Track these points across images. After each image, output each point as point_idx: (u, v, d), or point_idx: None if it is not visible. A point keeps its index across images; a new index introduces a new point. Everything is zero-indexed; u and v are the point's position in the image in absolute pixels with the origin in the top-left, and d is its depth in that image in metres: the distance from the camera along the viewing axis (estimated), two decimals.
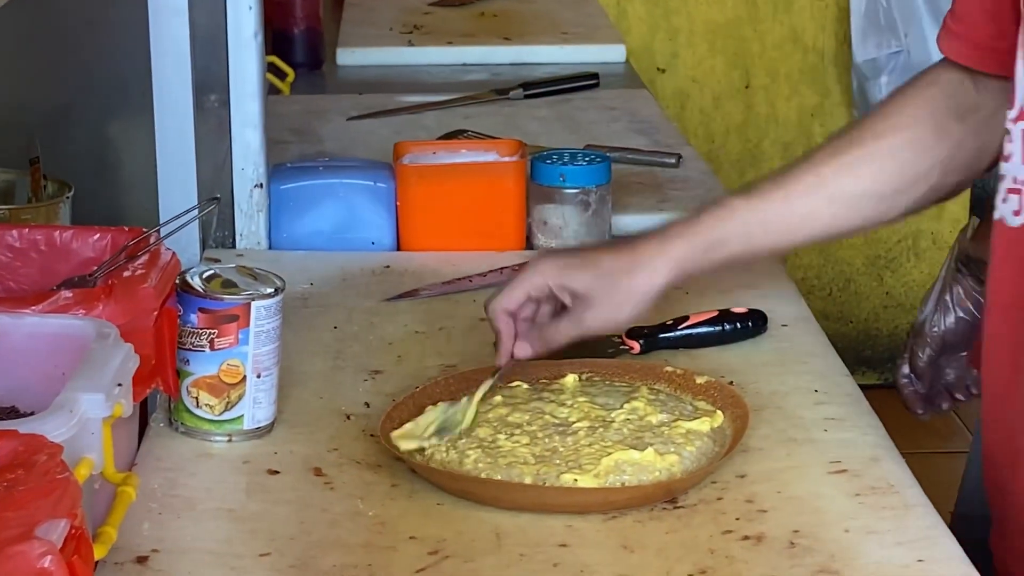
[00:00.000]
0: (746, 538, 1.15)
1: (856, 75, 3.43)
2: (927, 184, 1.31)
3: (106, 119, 1.66)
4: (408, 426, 1.28)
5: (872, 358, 3.57)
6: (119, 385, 1.05)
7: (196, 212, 1.31)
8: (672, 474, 1.22)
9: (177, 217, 1.29)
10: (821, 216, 1.31)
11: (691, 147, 2.15)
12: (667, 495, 1.21)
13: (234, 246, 1.75)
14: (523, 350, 1.33)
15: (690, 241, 1.31)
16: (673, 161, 2.04)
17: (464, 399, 1.30)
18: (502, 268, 1.69)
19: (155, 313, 1.20)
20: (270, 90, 2.31)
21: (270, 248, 1.76)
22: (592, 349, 1.47)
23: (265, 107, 1.76)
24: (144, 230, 1.29)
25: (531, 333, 1.34)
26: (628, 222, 1.81)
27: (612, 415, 1.29)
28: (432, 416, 1.29)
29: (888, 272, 3.60)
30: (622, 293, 1.30)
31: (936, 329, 1.60)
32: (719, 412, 1.32)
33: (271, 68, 2.42)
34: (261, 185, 1.75)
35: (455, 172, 1.77)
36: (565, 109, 2.36)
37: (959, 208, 3.59)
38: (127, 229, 1.30)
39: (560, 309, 1.35)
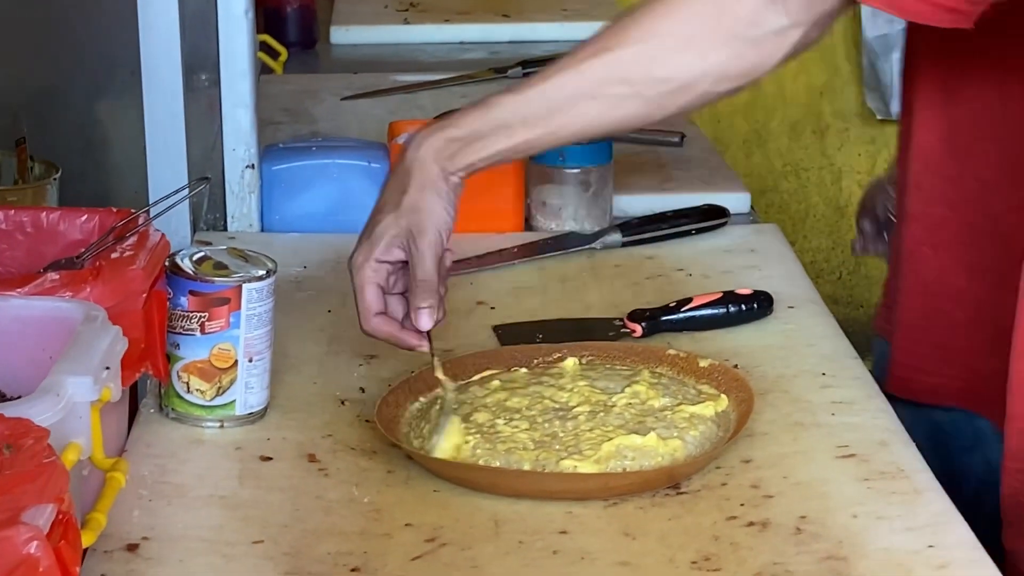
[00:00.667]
0: (751, 524, 1.16)
1: (866, 52, 3.43)
2: (697, 91, 1.28)
3: (94, 99, 1.66)
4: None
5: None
6: (107, 368, 1.05)
7: (186, 192, 1.31)
8: (675, 459, 1.22)
9: (166, 197, 1.30)
10: (585, 112, 1.28)
11: (695, 126, 2.15)
12: (670, 481, 1.21)
13: (225, 228, 1.75)
14: (421, 319, 1.30)
15: (441, 134, 1.30)
16: (676, 140, 2.04)
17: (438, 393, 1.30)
18: (500, 250, 1.70)
19: (144, 295, 1.20)
20: (262, 69, 2.32)
21: (262, 230, 1.76)
22: (592, 332, 1.47)
23: (257, 86, 1.77)
24: (133, 211, 1.29)
25: (412, 303, 1.30)
26: (630, 203, 1.81)
27: (613, 399, 1.29)
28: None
29: None
30: (418, 204, 1.30)
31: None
32: (723, 396, 1.32)
33: (263, 47, 2.42)
34: (253, 166, 1.75)
35: None
36: None
37: None
38: (115, 210, 1.30)
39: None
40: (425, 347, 1.32)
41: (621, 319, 1.49)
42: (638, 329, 1.48)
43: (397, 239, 1.31)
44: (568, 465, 1.21)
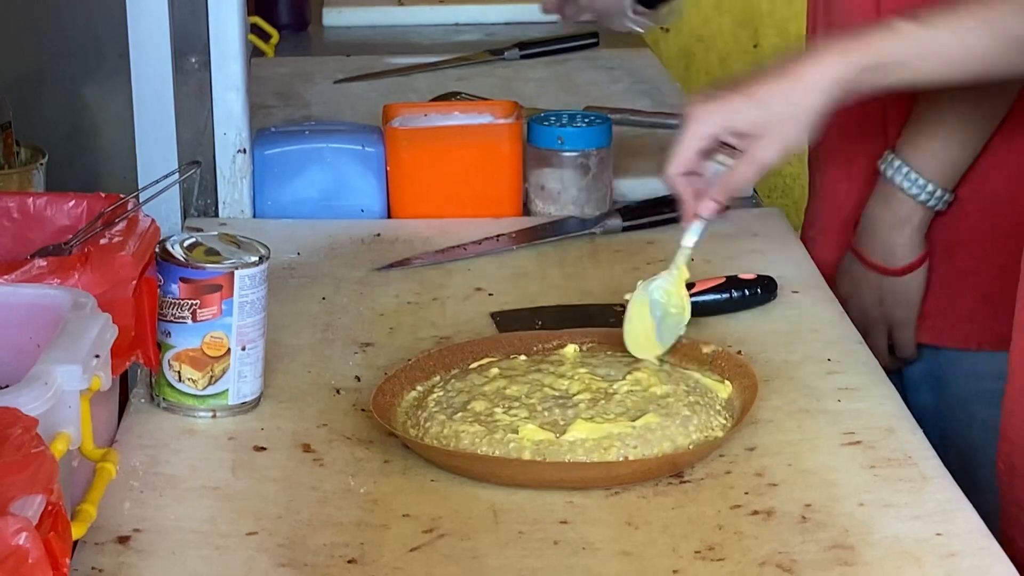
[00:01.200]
0: (755, 513, 1.15)
1: None
2: None
3: (81, 82, 1.66)
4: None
5: None
6: (96, 357, 1.05)
7: (176, 177, 1.31)
8: (678, 447, 1.22)
9: (156, 182, 1.29)
10: (989, 55, 1.31)
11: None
12: (673, 469, 1.21)
13: (217, 215, 1.75)
14: (707, 207, 1.34)
15: (848, 59, 1.30)
16: (677, 123, 2.03)
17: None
18: (498, 236, 1.69)
19: (134, 282, 1.20)
20: (253, 53, 2.32)
21: (254, 216, 1.76)
22: (592, 318, 1.47)
23: (248, 69, 1.76)
24: (121, 196, 1.28)
25: (712, 189, 1.35)
26: (630, 187, 1.81)
27: (614, 386, 1.29)
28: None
29: None
30: (787, 117, 1.30)
31: None
32: (727, 382, 1.32)
33: (254, 30, 2.42)
34: (244, 150, 1.74)
35: (448, 135, 1.76)
36: (563, 70, 2.36)
37: None
38: (103, 195, 1.30)
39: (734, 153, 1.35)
40: (693, 229, 1.35)
41: (622, 305, 1.48)
42: None
43: (746, 126, 1.31)
44: (566, 438, 1.20)
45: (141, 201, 1.29)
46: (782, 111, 1.30)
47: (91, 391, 1.05)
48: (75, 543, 1.09)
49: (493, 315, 1.51)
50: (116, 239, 1.22)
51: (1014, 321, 1.30)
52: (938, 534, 1.13)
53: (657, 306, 1.35)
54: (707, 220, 1.36)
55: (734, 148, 1.34)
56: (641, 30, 1.97)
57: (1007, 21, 1.30)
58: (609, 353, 1.37)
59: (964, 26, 1.31)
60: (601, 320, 1.47)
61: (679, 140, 1.34)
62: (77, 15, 1.63)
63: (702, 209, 1.35)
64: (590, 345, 1.39)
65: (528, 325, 1.48)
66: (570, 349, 1.37)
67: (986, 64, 1.33)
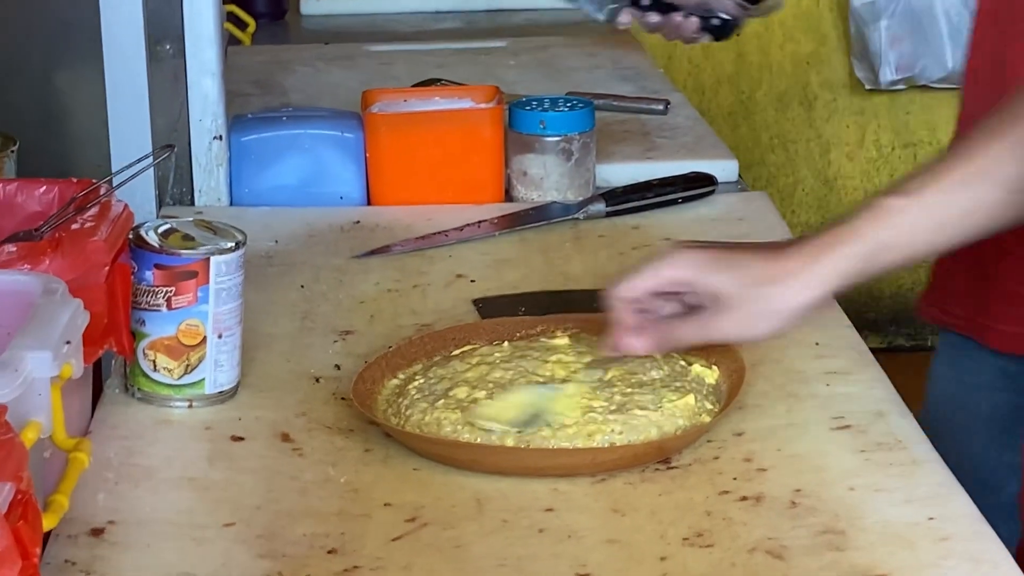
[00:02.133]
0: (744, 499, 1.14)
1: (854, 19, 3.42)
2: None
3: (52, 68, 1.64)
4: (488, 410, 1.22)
5: (876, 320, 3.57)
6: (68, 343, 1.03)
7: (150, 160, 1.29)
8: (664, 433, 1.21)
9: (129, 166, 1.27)
10: (985, 207, 1.22)
11: (680, 93, 2.14)
12: (660, 455, 1.20)
13: (192, 203, 1.74)
14: (639, 343, 1.25)
15: (849, 251, 1.21)
16: (661, 108, 2.02)
17: (550, 386, 1.26)
18: (480, 222, 1.68)
19: (106, 268, 1.18)
20: (230, 41, 2.30)
21: (231, 204, 1.75)
22: (576, 304, 1.45)
23: (223, 54, 1.75)
24: (94, 181, 1.27)
25: (648, 328, 1.26)
26: (613, 171, 1.80)
27: (600, 372, 1.28)
28: (520, 398, 1.24)
29: None
30: (764, 304, 1.22)
31: None
32: (713, 367, 1.31)
33: (231, 18, 2.40)
34: (220, 137, 1.73)
35: (428, 120, 1.75)
36: (545, 56, 2.34)
37: None
38: (75, 181, 1.28)
39: (687, 310, 1.26)
40: (605, 354, 1.27)
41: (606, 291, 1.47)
42: None
43: (720, 292, 1.22)
44: (549, 436, 1.19)
45: (114, 186, 1.27)
46: (761, 296, 1.22)
47: (62, 379, 1.03)
48: (47, 535, 1.07)
49: (475, 302, 1.49)
50: (88, 224, 1.20)
51: None
52: (931, 518, 1.11)
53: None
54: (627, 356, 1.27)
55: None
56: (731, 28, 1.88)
57: (999, 167, 1.21)
58: (595, 339, 1.35)
59: (953, 184, 1.22)
60: (585, 306, 1.45)
61: (644, 270, 1.25)
62: None
63: (635, 343, 1.26)
64: (574, 331, 1.37)
65: (511, 311, 1.46)
66: (556, 335, 1.35)
67: (988, 216, 1.23)
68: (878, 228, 1.22)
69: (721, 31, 1.86)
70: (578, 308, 1.45)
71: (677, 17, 1.85)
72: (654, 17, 1.88)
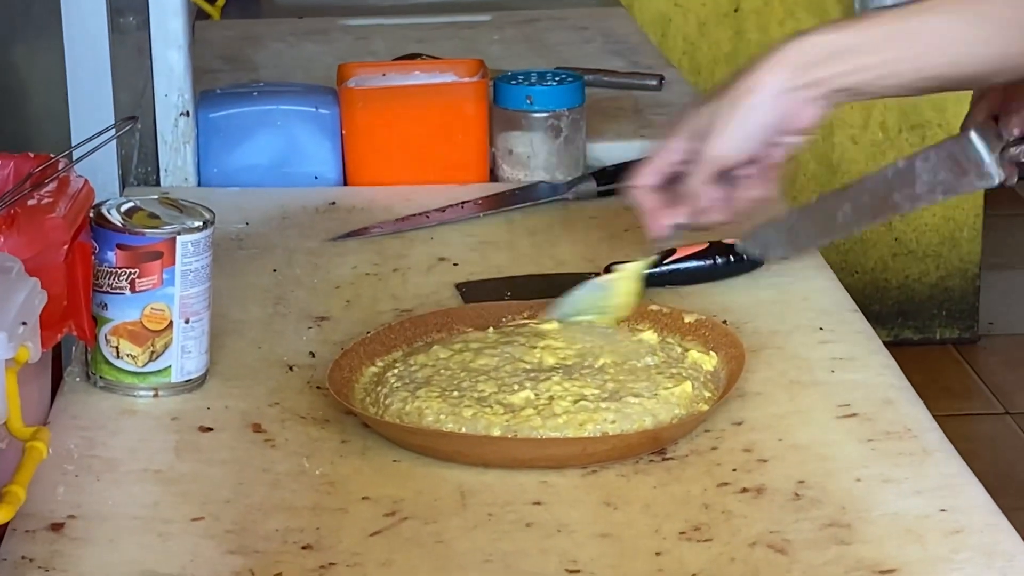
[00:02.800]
0: (744, 491, 1.14)
1: None
2: None
3: (8, 40, 1.62)
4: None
5: (881, 312, 3.57)
6: (23, 324, 1.02)
7: (112, 133, 1.28)
8: (659, 422, 1.20)
9: (90, 139, 1.27)
10: (968, 38, 1.25)
11: (674, 68, 2.13)
12: (654, 445, 1.19)
13: (158, 183, 1.73)
14: (672, 216, 1.32)
15: (808, 42, 1.26)
16: (655, 83, 2.02)
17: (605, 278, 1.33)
18: (463, 203, 1.67)
19: (65, 247, 1.17)
20: (198, 14, 2.29)
21: (199, 184, 1.74)
22: (565, 288, 1.45)
23: (191, 26, 1.74)
24: (52, 156, 1.26)
25: (674, 200, 1.32)
26: (605, 150, 1.80)
27: (591, 359, 1.27)
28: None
29: (897, 216, 3.59)
30: (732, 105, 1.27)
31: None
32: (712, 353, 1.30)
33: None
34: (188, 113, 1.72)
35: (408, 95, 1.74)
36: (531, 30, 2.34)
37: None
38: (32, 156, 1.27)
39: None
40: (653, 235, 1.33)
41: (597, 274, 1.46)
42: None
43: (702, 122, 1.28)
44: (539, 428, 1.18)
45: (73, 160, 1.26)
46: (732, 98, 1.27)
47: (18, 363, 1.02)
48: (3, 529, 1.07)
49: (458, 286, 1.49)
50: (46, 200, 1.19)
51: None
52: (942, 510, 1.11)
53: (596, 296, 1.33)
54: (671, 234, 1.33)
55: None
56: None
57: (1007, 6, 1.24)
58: (586, 324, 1.35)
59: (940, 7, 1.25)
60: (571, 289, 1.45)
61: (650, 153, 1.33)
62: None
63: (668, 218, 1.32)
64: None
65: (497, 296, 1.46)
66: (544, 319, 1.35)
67: (964, 52, 1.25)
68: (846, 28, 1.26)
69: None
70: (566, 290, 1.44)
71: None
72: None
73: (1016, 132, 1.33)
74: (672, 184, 1.33)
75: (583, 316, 1.33)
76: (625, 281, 1.34)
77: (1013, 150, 1.33)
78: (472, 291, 1.48)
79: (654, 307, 1.37)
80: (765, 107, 1.26)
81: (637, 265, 1.36)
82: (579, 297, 1.34)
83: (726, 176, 1.30)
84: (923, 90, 1.29)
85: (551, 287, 1.47)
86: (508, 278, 1.50)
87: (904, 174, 1.35)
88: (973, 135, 1.33)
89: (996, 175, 1.33)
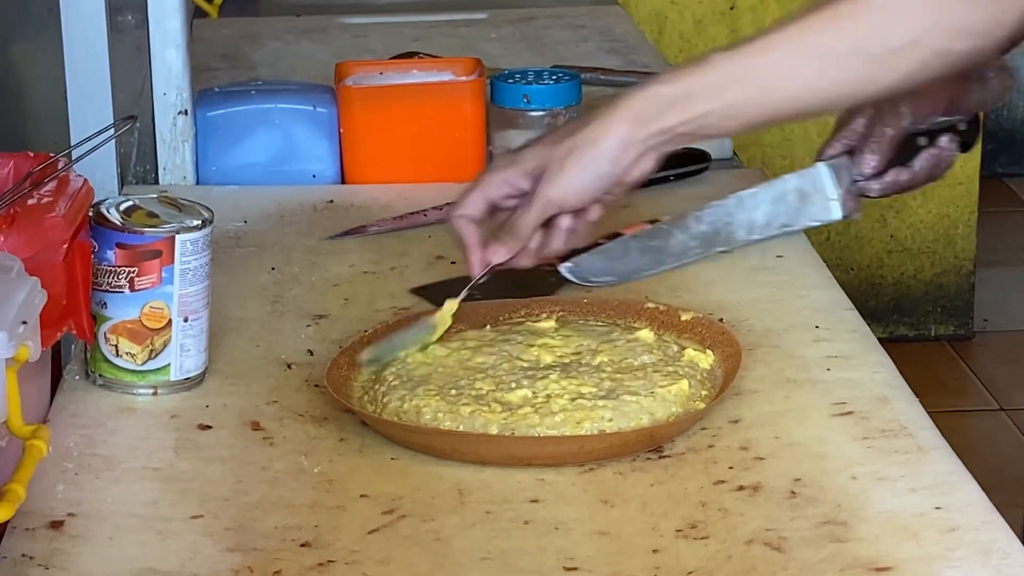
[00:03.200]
0: (741, 488, 1.14)
1: None
2: (929, 48, 1.25)
3: (7, 39, 1.63)
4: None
5: (877, 309, 3.57)
6: (24, 323, 1.02)
7: (111, 133, 1.28)
8: (656, 420, 1.20)
9: (89, 139, 1.27)
10: (803, 74, 1.25)
11: (671, 66, 2.13)
12: (651, 443, 1.20)
13: (156, 181, 1.73)
14: (496, 253, 1.31)
15: (650, 93, 1.26)
16: None
17: (427, 320, 1.30)
18: None
19: (65, 246, 1.17)
20: (196, 13, 2.29)
21: (197, 183, 1.74)
22: (532, 286, 1.43)
23: (189, 25, 1.74)
24: (51, 155, 1.26)
25: (497, 234, 1.31)
26: None
27: (588, 357, 1.27)
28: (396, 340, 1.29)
29: (892, 212, 3.59)
30: (575, 152, 1.27)
31: None
32: (708, 351, 1.30)
33: None
34: (186, 112, 1.72)
35: (405, 94, 1.74)
36: (528, 29, 2.34)
37: None
38: (32, 155, 1.27)
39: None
40: (474, 274, 1.31)
41: (551, 266, 1.43)
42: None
43: (535, 165, 1.29)
44: (537, 427, 1.19)
45: (73, 160, 1.27)
46: (570, 148, 1.27)
47: (18, 361, 1.02)
48: (3, 528, 1.07)
49: (414, 290, 1.48)
50: (45, 200, 1.19)
51: None
52: (937, 508, 1.11)
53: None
54: (493, 268, 1.31)
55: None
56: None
57: (822, 34, 1.24)
58: (582, 322, 1.35)
59: (776, 45, 1.25)
60: (543, 286, 1.44)
61: (470, 186, 1.32)
62: None
63: (492, 255, 1.30)
64: (561, 314, 1.37)
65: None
66: (541, 318, 1.35)
67: (804, 86, 1.25)
68: (683, 76, 1.26)
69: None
70: (536, 288, 1.42)
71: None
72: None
73: (868, 170, 1.33)
74: (494, 215, 1.32)
75: (400, 352, 1.30)
76: (449, 315, 1.31)
77: (862, 184, 1.34)
78: (432, 293, 1.47)
79: (650, 305, 1.37)
80: (608, 157, 1.26)
81: (457, 300, 1.32)
82: (406, 337, 1.31)
83: (552, 220, 1.30)
84: (766, 124, 1.30)
85: (516, 286, 1.46)
86: (462, 278, 1.49)
87: (746, 203, 1.35)
88: (823, 168, 1.34)
89: (840, 210, 1.34)
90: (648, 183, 1.69)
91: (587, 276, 1.37)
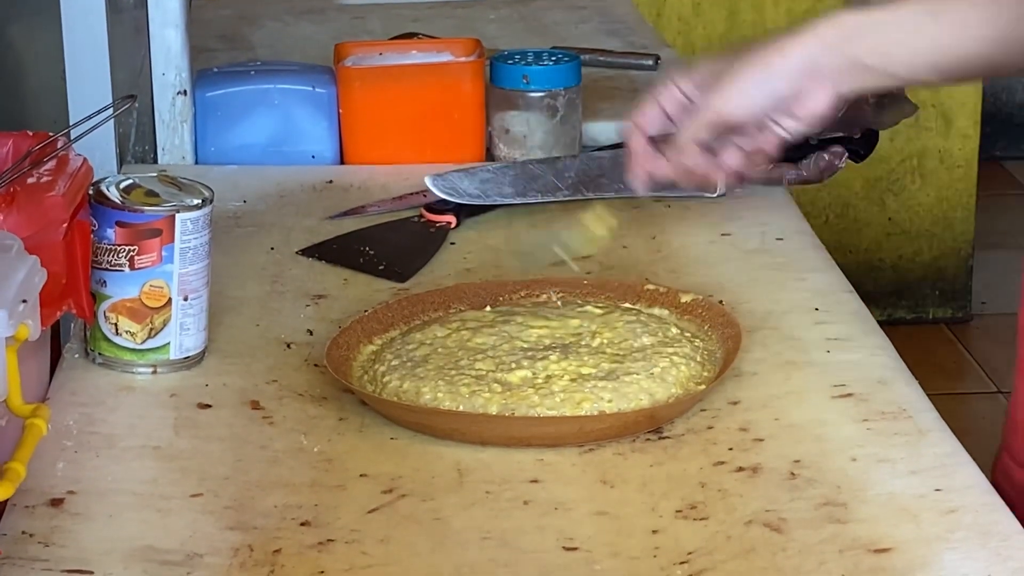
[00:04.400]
0: (740, 470, 1.14)
1: None
2: None
3: (6, 18, 1.62)
4: None
5: (874, 293, 3.57)
6: (24, 302, 1.02)
7: (110, 112, 1.28)
8: (656, 401, 1.20)
9: (88, 118, 1.26)
10: (997, 22, 1.21)
11: (671, 48, 2.13)
12: (651, 424, 1.20)
13: (155, 161, 1.73)
14: (658, 165, 1.30)
15: (837, 20, 1.23)
16: (651, 63, 2.01)
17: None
18: None
19: (64, 225, 1.17)
20: None
21: (196, 163, 1.74)
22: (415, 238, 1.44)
23: (188, 5, 1.73)
24: (51, 134, 1.26)
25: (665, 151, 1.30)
26: (601, 130, 1.79)
27: (588, 338, 1.27)
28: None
29: (891, 195, 3.60)
30: (752, 66, 1.24)
31: None
32: (708, 333, 1.30)
33: None
34: (185, 92, 1.72)
35: (404, 74, 1.74)
36: (527, 10, 2.33)
37: (969, 124, 3.59)
38: (31, 134, 1.27)
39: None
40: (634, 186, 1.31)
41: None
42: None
43: (706, 75, 1.27)
44: (537, 408, 1.19)
45: (72, 139, 1.26)
46: (743, 60, 1.25)
47: (18, 340, 1.02)
48: (3, 505, 1.07)
49: (301, 251, 1.51)
50: (45, 179, 1.19)
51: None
52: (937, 489, 1.11)
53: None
54: (648, 184, 1.32)
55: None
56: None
57: None
58: (582, 302, 1.35)
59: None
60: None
61: (655, 91, 1.31)
62: None
63: (654, 167, 1.30)
64: (561, 295, 1.37)
65: (352, 255, 1.47)
66: (542, 299, 1.35)
67: (981, 43, 1.22)
68: (877, 9, 1.23)
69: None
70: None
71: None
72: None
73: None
74: (663, 142, 1.31)
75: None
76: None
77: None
78: (325, 252, 1.49)
79: (650, 287, 1.37)
80: (784, 74, 1.24)
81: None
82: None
83: (717, 140, 1.28)
84: (951, 75, 1.26)
85: (403, 238, 1.46)
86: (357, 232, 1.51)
87: (621, 162, 1.35)
88: None
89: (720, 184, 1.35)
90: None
91: (452, 192, 1.38)
